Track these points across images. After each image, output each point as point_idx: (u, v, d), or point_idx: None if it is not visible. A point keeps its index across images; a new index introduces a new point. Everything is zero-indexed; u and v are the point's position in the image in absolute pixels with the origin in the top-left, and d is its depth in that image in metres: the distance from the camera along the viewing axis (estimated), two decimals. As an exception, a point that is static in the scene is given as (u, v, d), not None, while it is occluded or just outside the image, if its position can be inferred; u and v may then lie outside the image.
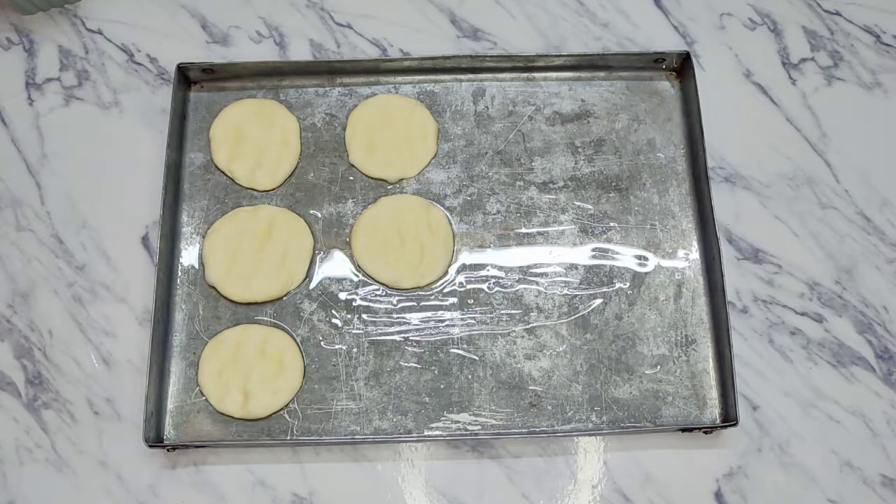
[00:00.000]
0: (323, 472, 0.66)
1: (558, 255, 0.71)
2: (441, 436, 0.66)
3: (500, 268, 0.71)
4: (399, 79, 0.76)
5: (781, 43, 0.79)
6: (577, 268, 0.71)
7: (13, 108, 0.76)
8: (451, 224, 0.72)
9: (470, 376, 0.68)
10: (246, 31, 0.79)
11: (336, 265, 0.71)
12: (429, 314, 0.70)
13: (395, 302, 0.70)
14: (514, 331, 0.69)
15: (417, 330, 0.69)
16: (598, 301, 0.70)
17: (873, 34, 0.80)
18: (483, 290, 0.70)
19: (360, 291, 0.70)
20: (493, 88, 0.76)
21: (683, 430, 0.66)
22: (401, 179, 0.73)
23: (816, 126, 0.76)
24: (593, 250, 0.72)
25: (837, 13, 0.80)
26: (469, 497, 0.66)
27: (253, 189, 0.73)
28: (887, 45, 0.79)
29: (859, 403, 0.69)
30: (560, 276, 0.71)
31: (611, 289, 0.70)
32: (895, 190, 0.75)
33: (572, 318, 0.70)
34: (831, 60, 0.79)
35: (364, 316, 0.69)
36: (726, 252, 0.72)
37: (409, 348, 0.69)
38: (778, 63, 0.79)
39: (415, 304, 0.70)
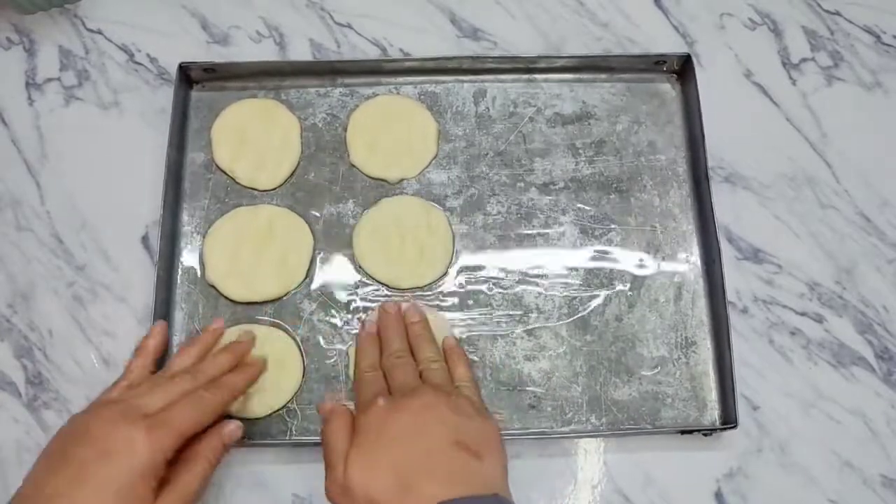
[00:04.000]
0: (323, 473, 0.66)
1: (558, 257, 0.71)
2: (441, 436, 0.66)
3: (500, 269, 0.71)
4: (400, 79, 0.76)
5: (781, 43, 0.79)
6: (577, 269, 0.71)
7: (13, 108, 0.76)
8: (450, 225, 0.72)
9: (470, 377, 0.68)
10: (246, 31, 0.79)
11: (336, 265, 0.71)
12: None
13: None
14: (513, 332, 0.69)
15: (417, 330, 0.69)
16: (598, 302, 0.70)
17: (873, 34, 0.80)
18: (483, 290, 0.70)
19: (360, 291, 0.70)
20: (494, 89, 0.76)
21: (683, 431, 0.66)
22: (401, 180, 0.73)
23: (816, 126, 0.76)
24: (593, 252, 0.72)
25: (837, 13, 0.80)
26: (469, 497, 0.66)
27: (253, 189, 0.73)
28: (887, 45, 0.79)
29: (859, 403, 0.69)
30: (560, 277, 0.71)
31: (611, 290, 0.70)
32: (895, 190, 0.75)
33: (572, 319, 0.70)
34: (831, 60, 0.79)
35: (364, 316, 0.69)
36: (726, 252, 0.71)
37: (409, 349, 0.68)
38: (778, 63, 0.79)
39: (415, 304, 0.70)
